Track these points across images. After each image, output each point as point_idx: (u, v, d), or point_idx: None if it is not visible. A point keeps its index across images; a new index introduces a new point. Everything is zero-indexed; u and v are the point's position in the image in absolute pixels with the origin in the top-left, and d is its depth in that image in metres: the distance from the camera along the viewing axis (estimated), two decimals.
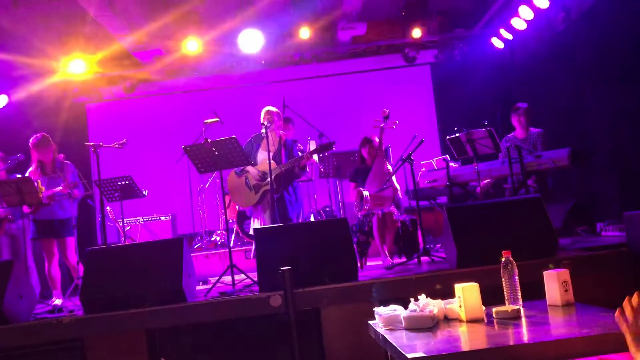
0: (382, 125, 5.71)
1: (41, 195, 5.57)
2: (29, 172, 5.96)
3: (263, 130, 5.61)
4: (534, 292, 3.02)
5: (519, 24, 7.96)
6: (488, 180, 6.51)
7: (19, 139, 6.44)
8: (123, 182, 6.67)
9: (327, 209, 8.60)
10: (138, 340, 4.16)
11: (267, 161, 5.43)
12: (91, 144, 5.87)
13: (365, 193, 5.60)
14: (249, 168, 5.85)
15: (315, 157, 5.86)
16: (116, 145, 5.97)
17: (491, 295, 2.94)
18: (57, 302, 5.62)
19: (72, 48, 8.13)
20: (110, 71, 8.98)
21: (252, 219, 6.12)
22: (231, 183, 6.00)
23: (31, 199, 5.57)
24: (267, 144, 5.56)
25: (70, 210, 5.94)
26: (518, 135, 6.70)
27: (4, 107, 8.33)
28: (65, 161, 6.09)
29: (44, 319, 4.46)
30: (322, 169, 7.84)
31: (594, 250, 4.63)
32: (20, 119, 8.65)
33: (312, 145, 5.78)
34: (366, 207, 5.57)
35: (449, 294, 2.95)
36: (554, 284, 2.83)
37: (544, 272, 2.92)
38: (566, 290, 2.81)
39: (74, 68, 8.37)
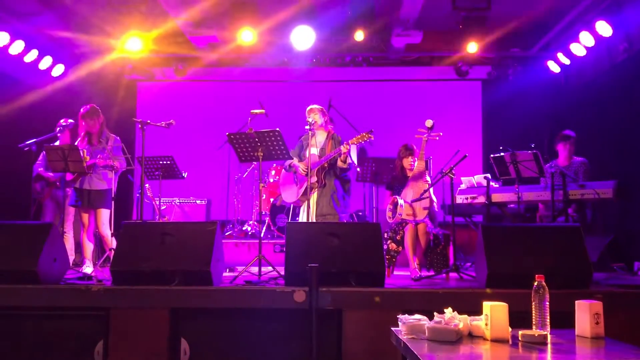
0: (425, 136, 5.66)
1: (85, 165, 5.71)
2: (77, 142, 6.12)
3: (307, 127, 5.67)
4: (562, 323, 2.95)
5: (578, 49, 7.79)
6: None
7: (73, 114, 6.58)
8: (165, 162, 6.83)
9: (360, 213, 8.58)
10: (161, 317, 4.22)
11: (314, 157, 5.50)
12: (139, 120, 5.99)
13: (401, 201, 5.57)
14: (298, 163, 5.92)
15: (354, 157, 5.88)
16: (163, 125, 6.06)
17: (517, 321, 2.88)
18: (88, 270, 5.75)
19: (129, 25, 8.26)
20: (165, 51, 9.12)
21: (299, 212, 6.22)
22: (282, 178, 6.18)
23: (75, 167, 5.72)
24: (309, 141, 5.66)
25: (109, 183, 6.07)
26: (560, 163, 6.60)
27: (62, 80, 8.58)
28: (112, 134, 6.23)
29: (73, 285, 4.58)
30: (359, 171, 7.82)
31: (628, 288, 4.51)
32: (77, 93, 8.88)
33: (353, 150, 5.81)
34: (399, 215, 5.53)
35: (474, 313, 2.91)
36: (585, 314, 2.76)
37: (575, 302, 2.85)
38: (597, 323, 2.74)
39: (130, 45, 8.45)
